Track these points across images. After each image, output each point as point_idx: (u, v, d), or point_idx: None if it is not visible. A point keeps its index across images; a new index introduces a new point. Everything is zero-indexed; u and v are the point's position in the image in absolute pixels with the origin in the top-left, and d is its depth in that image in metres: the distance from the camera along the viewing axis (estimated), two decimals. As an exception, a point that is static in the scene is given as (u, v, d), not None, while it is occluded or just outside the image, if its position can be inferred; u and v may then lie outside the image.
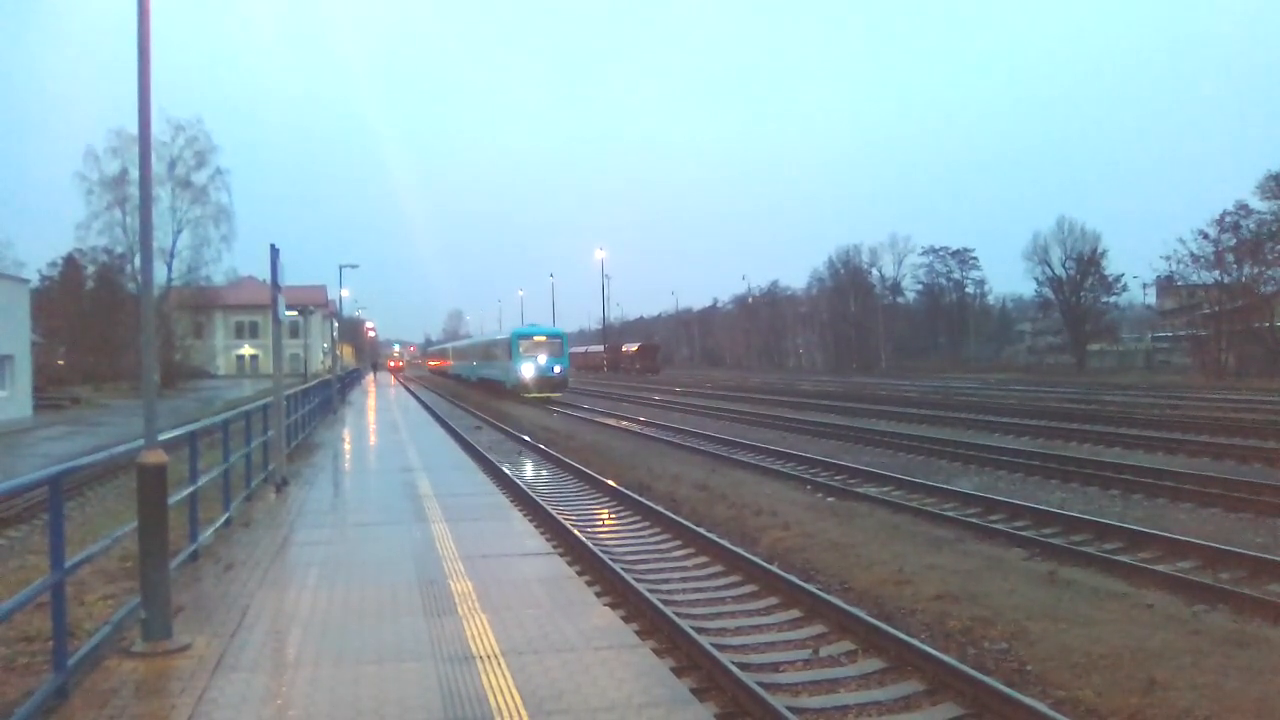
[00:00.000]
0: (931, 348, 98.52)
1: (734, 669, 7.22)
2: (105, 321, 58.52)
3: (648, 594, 9.44)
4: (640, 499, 15.43)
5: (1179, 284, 63.40)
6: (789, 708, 6.62)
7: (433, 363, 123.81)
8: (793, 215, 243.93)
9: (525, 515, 12.77)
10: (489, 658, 5.99)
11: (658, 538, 13.13)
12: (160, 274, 57.71)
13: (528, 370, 46.98)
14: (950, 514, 13.88)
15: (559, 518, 13.88)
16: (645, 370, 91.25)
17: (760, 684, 6.99)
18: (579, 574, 9.36)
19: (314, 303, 71.84)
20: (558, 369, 47.99)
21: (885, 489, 16.41)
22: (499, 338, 55.41)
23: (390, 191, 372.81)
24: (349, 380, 55.03)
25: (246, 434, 13.02)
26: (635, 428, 30.28)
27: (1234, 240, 55.73)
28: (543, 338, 49.03)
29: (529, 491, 16.31)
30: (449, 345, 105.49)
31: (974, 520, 13.38)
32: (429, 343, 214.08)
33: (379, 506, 12.57)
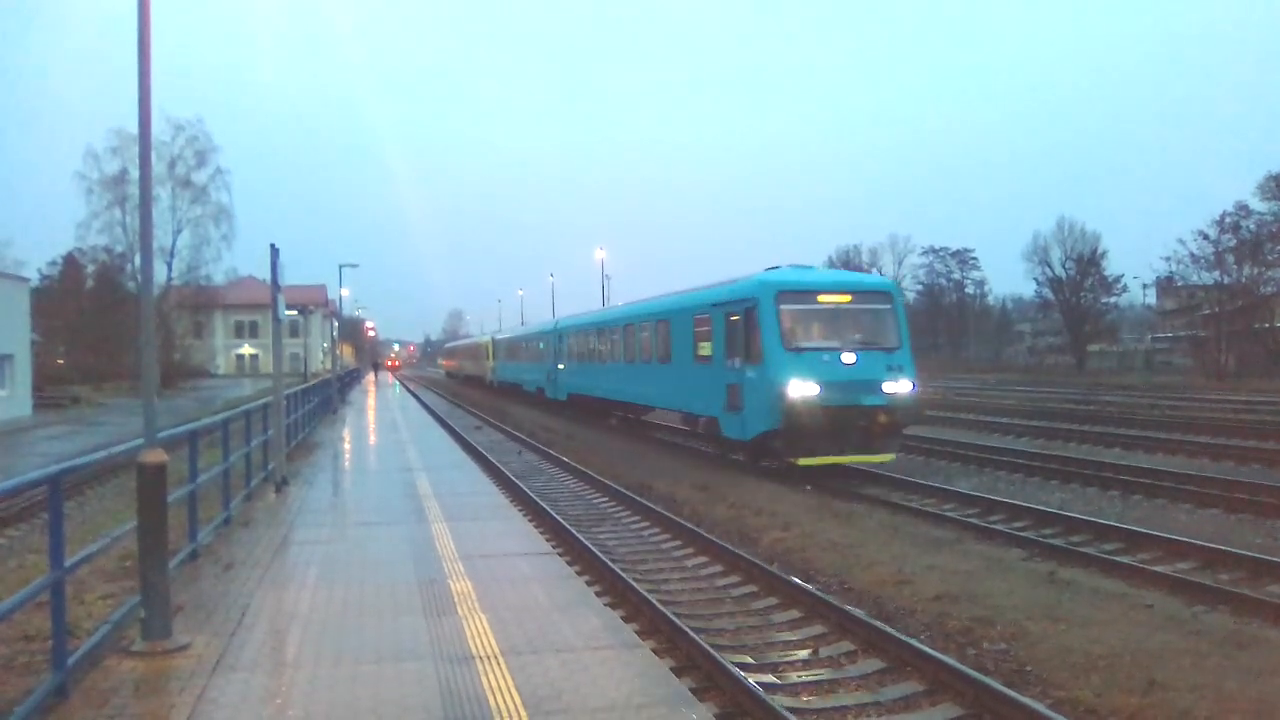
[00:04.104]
0: (931, 348, 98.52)
1: (733, 669, 7.22)
2: (105, 321, 58.48)
3: (647, 594, 9.44)
4: (640, 499, 15.43)
5: (1179, 285, 63.53)
6: (789, 708, 6.62)
7: (449, 363, 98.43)
8: (792, 215, 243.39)
9: (525, 515, 12.78)
10: (488, 658, 5.99)
11: (657, 537, 13.13)
12: (160, 273, 57.66)
13: (805, 389, 16.39)
14: (950, 514, 13.89)
15: (559, 518, 13.88)
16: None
17: (760, 684, 7.00)
18: (578, 574, 9.37)
19: (314, 302, 71.87)
20: (893, 385, 16.91)
21: (885, 489, 16.41)
22: (710, 297, 20.04)
23: (390, 191, 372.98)
24: (348, 380, 54.98)
25: (246, 433, 13.02)
26: (635, 427, 30.25)
27: (1234, 241, 55.82)
28: (844, 296, 17.95)
29: (529, 491, 16.31)
30: (487, 337, 63.79)
31: (974, 520, 13.39)
32: (429, 343, 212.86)
33: (379, 506, 12.57)
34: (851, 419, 16.26)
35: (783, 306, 17.04)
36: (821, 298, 17.67)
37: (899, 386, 16.75)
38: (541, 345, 39.60)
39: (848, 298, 17.79)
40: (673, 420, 25.68)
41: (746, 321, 17.48)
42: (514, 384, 47.97)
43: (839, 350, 16.86)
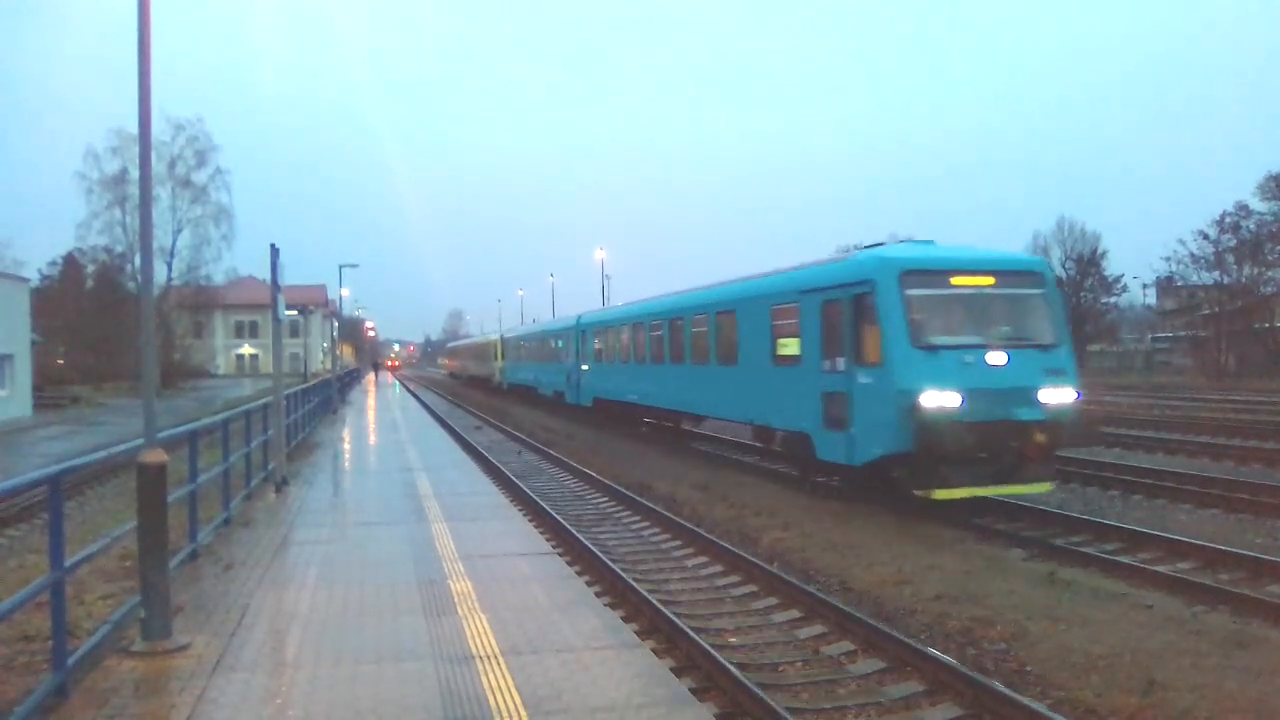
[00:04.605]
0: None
1: (733, 669, 7.22)
2: (105, 321, 58.45)
3: (647, 594, 9.44)
4: (640, 499, 15.43)
5: (1179, 285, 63.44)
6: (788, 708, 6.62)
7: (452, 363, 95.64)
8: (792, 215, 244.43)
9: (525, 515, 12.78)
10: (488, 658, 5.99)
11: (658, 537, 13.14)
12: (160, 273, 57.67)
13: (944, 399, 12.57)
14: (950, 514, 13.86)
15: (559, 518, 13.88)
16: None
17: (760, 684, 7.00)
18: (578, 574, 9.38)
19: (314, 302, 71.94)
20: (1053, 393, 13.01)
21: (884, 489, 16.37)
22: (797, 281, 16.11)
23: (390, 191, 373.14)
24: (348, 380, 54.94)
25: (246, 433, 13.02)
26: (636, 428, 30.22)
27: (1234, 241, 55.75)
28: (986, 277, 13.82)
29: (529, 491, 16.31)
30: (495, 335, 59.64)
31: (974, 520, 13.37)
32: (429, 343, 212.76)
33: (379, 506, 12.57)
34: (1001, 439, 12.58)
35: (909, 291, 13.16)
36: (957, 279, 13.62)
37: (1060, 395, 13.01)
38: (560, 344, 35.81)
39: (990, 279, 13.76)
40: (730, 432, 23.91)
41: (858, 311, 13.73)
42: (527, 386, 44.33)
43: (983, 348, 13.07)
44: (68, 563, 5.71)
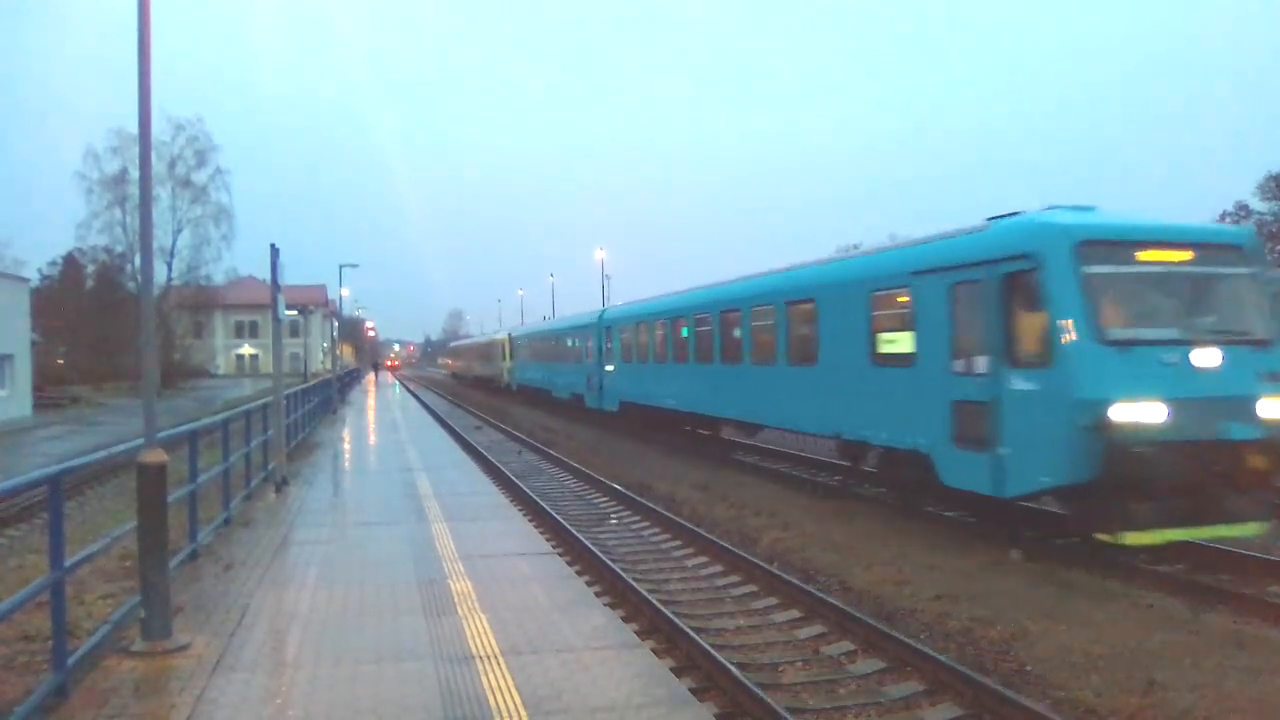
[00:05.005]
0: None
1: (733, 669, 7.22)
2: (105, 321, 58.48)
3: (647, 594, 9.45)
4: (640, 499, 15.43)
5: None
6: (788, 708, 6.62)
7: (454, 363, 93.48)
8: (792, 215, 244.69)
9: (525, 515, 12.79)
10: (488, 658, 5.99)
11: (658, 537, 13.14)
12: (160, 273, 57.74)
13: (1143, 412, 9.57)
14: (950, 514, 13.86)
15: (559, 517, 13.88)
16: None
17: (759, 684, 7.00)
18: (578, 574, 9.38)
19: (314, 302, 71.87)
20: (1272, 405, 9.98)
21: (885, 489, 16.36)
22: (910, 259, 12.98)
23: (390, 191, 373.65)
24: (348, 380, 54.91)
25: (246, 433, 13.03)
26: (635, 428, 30.22)
27: (1234, 241, 55.78)
28: (1182, 251, 10.70)
29: (529, 491, 16.31)
30: (503, 333, 56.28)
31: (974, 520, 13.36)
32: (429, 343, 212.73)
33: (379, 506, 12.57)
34: (1209, 462, 9.70)
35: (1089, 269, 10.19)
36: (1145, 254, 10.60)
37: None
38: (578, 342, 32.73)
39: (1187, 254, 10.76)
40: (795, 445, 21.03)
41: (1011, 295, 10.83)
42: (539, 389, 41.20)
43: (1187, 345, 10.09)
44: (68, 563, 5.71)
